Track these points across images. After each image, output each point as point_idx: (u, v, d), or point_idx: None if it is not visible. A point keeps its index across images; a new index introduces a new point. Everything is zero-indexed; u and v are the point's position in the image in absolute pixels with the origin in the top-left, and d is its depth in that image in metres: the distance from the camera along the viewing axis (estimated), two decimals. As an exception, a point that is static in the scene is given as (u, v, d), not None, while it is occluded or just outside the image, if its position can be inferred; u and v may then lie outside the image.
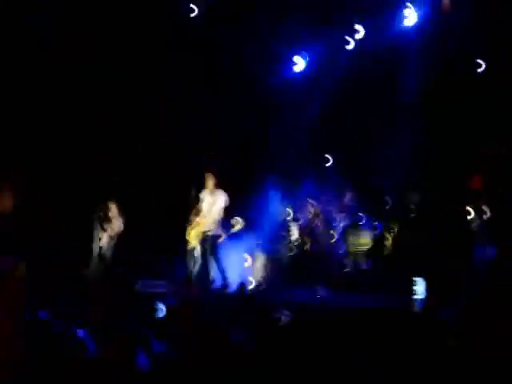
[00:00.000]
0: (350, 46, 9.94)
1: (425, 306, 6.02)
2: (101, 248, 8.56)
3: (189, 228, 8.61)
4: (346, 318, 5.66)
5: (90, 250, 8.54)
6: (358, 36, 10.05)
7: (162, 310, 5.98)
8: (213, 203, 8.53)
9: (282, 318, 5.56)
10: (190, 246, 8.55)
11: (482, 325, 4.74)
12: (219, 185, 8.64)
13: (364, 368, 4.14)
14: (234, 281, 8.52)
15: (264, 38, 10.08)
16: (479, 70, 9.14)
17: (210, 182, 8.61)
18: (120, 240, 8.84)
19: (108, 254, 8.60)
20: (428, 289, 6.11)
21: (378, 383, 4.04)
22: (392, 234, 9.38)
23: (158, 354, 4.75)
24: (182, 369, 4.49)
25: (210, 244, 8.47)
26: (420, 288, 6.15)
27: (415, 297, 6.05)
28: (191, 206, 8.63)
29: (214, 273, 8.48)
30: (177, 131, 9.97)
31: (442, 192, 8.48)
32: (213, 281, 8.50)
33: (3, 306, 3.96)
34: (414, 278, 6.43)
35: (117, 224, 8.72)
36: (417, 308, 5.95)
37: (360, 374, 4.09)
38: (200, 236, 8.52)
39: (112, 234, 8.67)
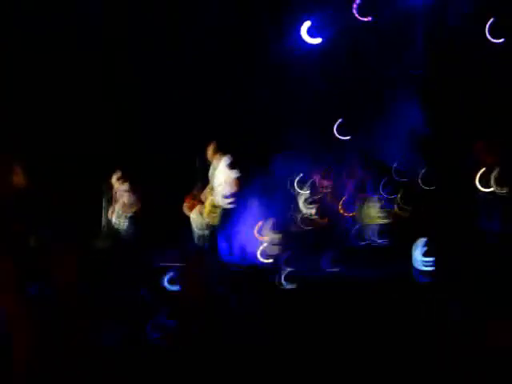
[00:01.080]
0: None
1: (432, 279, 5.95)
2: (110, 221, 8.62)
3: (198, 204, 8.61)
4: (353, 289, 5.63)
5: (100, 223, 8.61)
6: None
7: (171, 283, 6.01)
8: (218, 173, 8.47)
9: (288, 287, 5.56)
10: (200, 219, 8.53)
11: (488, 299, 4.67)
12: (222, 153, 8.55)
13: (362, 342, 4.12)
14: (244, 255, 8.54)
15: (276, 12, 10.03)
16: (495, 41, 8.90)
17: (212, 151, 8.56)
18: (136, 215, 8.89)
19: (120, 228, 8.66)
20: (436, 262, 6.04)
21: (376, 358, 4.00)
22: (401, 207, 9.34)
23: (168, 327, 4.77)
24: (191, 342, 4.49)
25: (221, 218, 8.44)
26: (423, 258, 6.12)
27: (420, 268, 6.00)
28: (196, 180, 8.59)
29: (223, 245, 8.48)
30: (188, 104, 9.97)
31: (450, 165, 8.38)
32: (222, 254, 8.47)
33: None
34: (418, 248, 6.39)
35: (129, 199, 8.75)
36: (422, 280, 5.90)
37: (358, 348, 4.07)
38: (210, 211, 8.50)
39: (123, 209, 8.71)
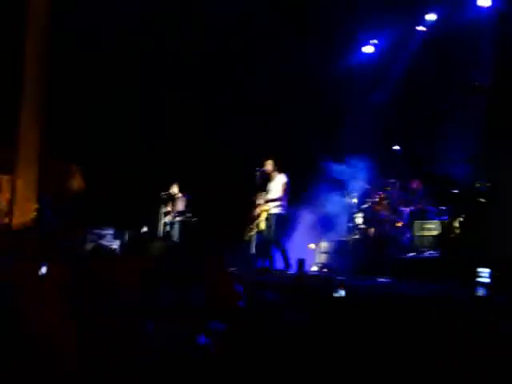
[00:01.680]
0: (422, 28, 9.77)
1: (488, 296, 5.82)
2: (165, 225, 8.84)
3: (256, 211, 8.76)
4: (405, 304, 5.58)
5: (156, 227, 8.83)
6: (430, 18, 9.88)
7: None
8: (274, 186, 8.64)
9: (338, 296, 5.56)
10: (255, 229, 8.66)
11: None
12: (281, 168, 8.73)
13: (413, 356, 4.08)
14: (295, 263, 8.56)
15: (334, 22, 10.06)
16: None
17: (270, 165, 8.74)
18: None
19: (173, 231, 8.87)
20: (493, 280, 5.91)
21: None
22: (459, 221, 9.13)
23: (218, 332, 4.84)
24: (242, 347, 4.55)
25: (273, 226, 8.54)
26: (485, 279, 5.97)
27: (479, 287, 5.86)
28: (255, 191, 8.77)
29: (275, 254, 8.56)
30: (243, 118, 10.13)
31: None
32: (274, 262, 8.56)
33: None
34: (479, 269, 6.24)
35: (180, 204, 8.96)
36: (479, 298, 5.77)
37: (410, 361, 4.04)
38: (259, 218, 8.64)
39: (175, 213, 8.93)
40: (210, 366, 4.38)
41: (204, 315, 5.20)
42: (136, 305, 4.83)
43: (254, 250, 8.60)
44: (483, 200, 8.44)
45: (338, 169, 10.04)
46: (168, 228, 8.98)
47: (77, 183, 8.76)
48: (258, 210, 8.67)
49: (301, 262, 8.00)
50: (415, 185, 9.62)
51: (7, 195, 9.23)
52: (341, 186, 10.20)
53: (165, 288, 6.01)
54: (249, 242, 8.65)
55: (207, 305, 5.19)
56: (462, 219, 8.85)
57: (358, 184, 10.11)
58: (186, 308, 5.46)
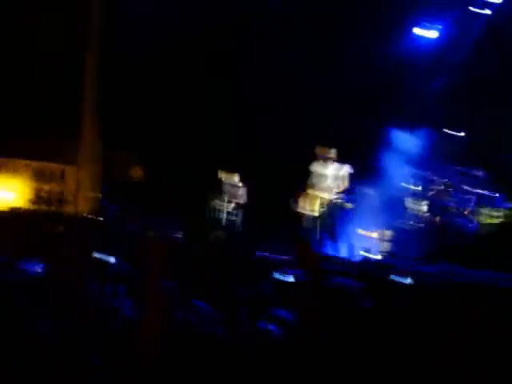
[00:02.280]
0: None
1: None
2: (226, 214, 8.88)
3: (307, 199, 8.73)
4: (467, 292, 5.42)
5: (216, 216, 8.87)
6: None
7: (283, 277, 6.03)
8: (333, 172, 8.61)
9: (400, 283, 5.44)
10: (309, 216, 8.64)
11: None
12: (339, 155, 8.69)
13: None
14: (357, 251, 8.47)
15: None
16: None
17: (329, 153, 8.70)
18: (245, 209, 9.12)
19: (233, 220, 8.90)
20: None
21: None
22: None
23: (286, 322, 4.78)
24: (309, 337, 4.49)
25: (331, 213, 8.51)
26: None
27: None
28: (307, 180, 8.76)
29: (335, 242, 8.51)
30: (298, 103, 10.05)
31: None
32: (334, 250, 8.50)
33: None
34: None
35: (240, 193, 8.98)
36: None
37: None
38: (320, 206, 8.61)
39: (236, 203, 8.96)
40: (274, 353, 4.34)
41: (271, 303, 5.16)
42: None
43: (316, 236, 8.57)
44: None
45: (401, 156, 9.84)
46: (230, 216, 9.03)
47: (136, 172, 8.92)
48: (310, 193, 8.65)
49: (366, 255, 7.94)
50: (480, 172, 9.35)
51: (71, 185, 9.53)
52: (405, 173, 9.98)
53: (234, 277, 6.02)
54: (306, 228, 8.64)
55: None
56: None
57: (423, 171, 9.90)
58: (256, 296, 5.43)
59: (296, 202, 8.87)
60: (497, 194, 9.03)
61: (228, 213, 9.07)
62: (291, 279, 5.93)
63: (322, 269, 5.61)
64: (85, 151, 9.88)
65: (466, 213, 9.13)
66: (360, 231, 9.10)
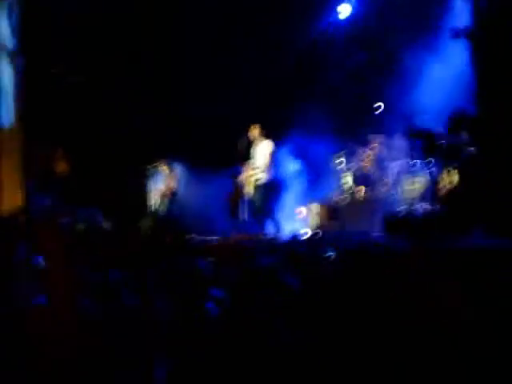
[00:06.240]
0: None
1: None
2: (153, 204, 8.86)
3: (243, 178, 8.81)
4: (396, 259, 5.61)
5: (144, 205, 8.85)
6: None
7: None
8: (260, 152, 8.68)
9: (330, 257, 5.58)
10: (243, 196, 8.72)
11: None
12: (265, 134, 8.75)
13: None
14: (287, 229, 8.61)
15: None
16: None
17: (255, 131, 8.77)
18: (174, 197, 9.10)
19: (161, 209, 8.89)
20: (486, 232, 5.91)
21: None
22: (447, 175, 9.14)
23: (218, 300, 4.86)
24: (239, 313, 4.58)
25: (261, 192, 8.59)
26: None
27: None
28: (241, 158, 8.81)
29: (265, 221, 8.61)
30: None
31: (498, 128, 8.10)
32: (265, 228, 8.61)
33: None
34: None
35: (169, 182, 8.97)
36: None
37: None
38: (252, 185, 8.68)
39: (164, 192, 8.95)
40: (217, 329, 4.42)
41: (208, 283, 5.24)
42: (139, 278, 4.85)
43: (244, 216, 8.66)
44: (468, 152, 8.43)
45: (324, 132, 10.03)
46: (158, 205, 9.00)
47: (61, 166, 8.74)
48: (243, 177, 8.73)
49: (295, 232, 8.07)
50: (398, 140, 9.61)
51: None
52: (328, 149, 10.19)
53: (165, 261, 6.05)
54: (237, 208, 8.71)
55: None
56: (450, 170, 8.85)
57: (346, 145, 10.14)
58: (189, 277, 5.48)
59: (233, 185, 8.96)
60: (417, 161, 9.31)
61: (159, 200, 9.06)
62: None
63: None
64: (4, 145, 9.57)
65: (388, 182, 9.42)
66: (288, 208, 9.27)
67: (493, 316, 3.60)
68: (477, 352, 3.36)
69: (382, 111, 10.10)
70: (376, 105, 10.12)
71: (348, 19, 10.43)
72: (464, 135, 8.35)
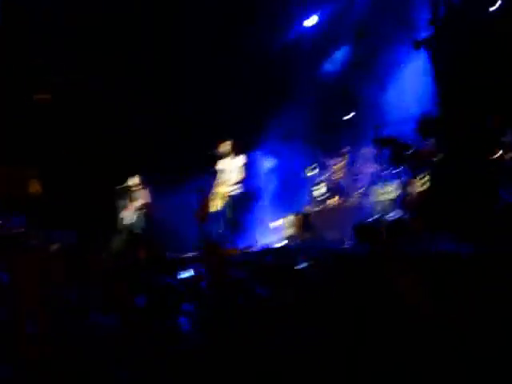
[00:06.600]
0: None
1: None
2: (126, 219, 8.85)
3: (214, 192, 8.84)
4: (372, 265, 5.68)
5: (118, 222, 8.83)
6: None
7: (189, 272, 6.14)
8: (232, 165, 8.73)
9: (303, 267, 5.64)
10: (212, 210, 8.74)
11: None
12: (237, 147, 8.80)
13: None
14: (260, 241, 8.66)
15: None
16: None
17: (227, 146, 8.82)
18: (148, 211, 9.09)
19: (135, 224, 8.88)
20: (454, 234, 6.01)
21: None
22: (417, 181, 9.26)
23: (188, 314, 4.89)
24: (213, 326, 4.62)
25: (234, 205, 8.62)
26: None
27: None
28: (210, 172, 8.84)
29: (238, 234, 8.64)
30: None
31: (465, 133, 8.24)
32: (236, 241, 8.64)
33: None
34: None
35: (141, 195, 8.96)
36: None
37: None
38: (225, 198, 8.70)
39: (137, 206, 8.95)
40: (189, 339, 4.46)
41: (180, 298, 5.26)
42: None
43: (216, 230, 8.67)
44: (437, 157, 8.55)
45: (296, 141, 10.11)
46: (130, 222, 8.98)
47: (33, 187, 8.70)
48: (215, 191, 8.76)
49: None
50: (370, 150, 9.73)
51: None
52: (301, 158, 10.29)
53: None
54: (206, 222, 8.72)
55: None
56: (419, 178, 8.97)
57: (317, 154, 10.25)
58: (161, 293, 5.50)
59: (203, 202, 8.95)
60: (388, 170, 9.42)
61: (131, 217, 9.03)
62: (191, 273, 6.07)
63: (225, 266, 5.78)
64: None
65: (360, 191, 9.52)
66: (262, 220, 9.32)
67: (450, 310, 3.72)
68: (434, 340, 3.49)
69: (353, 121, 10.23)
70: (346, 117, 10.27)
71: (314, 28, 10.57)
72: (431, 140, 8.50)
